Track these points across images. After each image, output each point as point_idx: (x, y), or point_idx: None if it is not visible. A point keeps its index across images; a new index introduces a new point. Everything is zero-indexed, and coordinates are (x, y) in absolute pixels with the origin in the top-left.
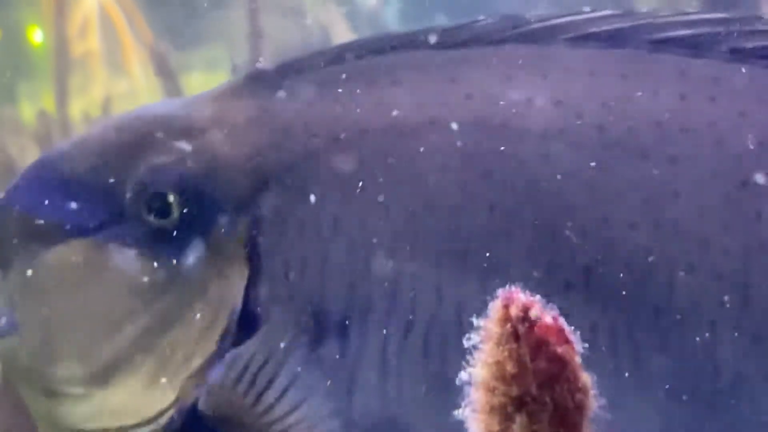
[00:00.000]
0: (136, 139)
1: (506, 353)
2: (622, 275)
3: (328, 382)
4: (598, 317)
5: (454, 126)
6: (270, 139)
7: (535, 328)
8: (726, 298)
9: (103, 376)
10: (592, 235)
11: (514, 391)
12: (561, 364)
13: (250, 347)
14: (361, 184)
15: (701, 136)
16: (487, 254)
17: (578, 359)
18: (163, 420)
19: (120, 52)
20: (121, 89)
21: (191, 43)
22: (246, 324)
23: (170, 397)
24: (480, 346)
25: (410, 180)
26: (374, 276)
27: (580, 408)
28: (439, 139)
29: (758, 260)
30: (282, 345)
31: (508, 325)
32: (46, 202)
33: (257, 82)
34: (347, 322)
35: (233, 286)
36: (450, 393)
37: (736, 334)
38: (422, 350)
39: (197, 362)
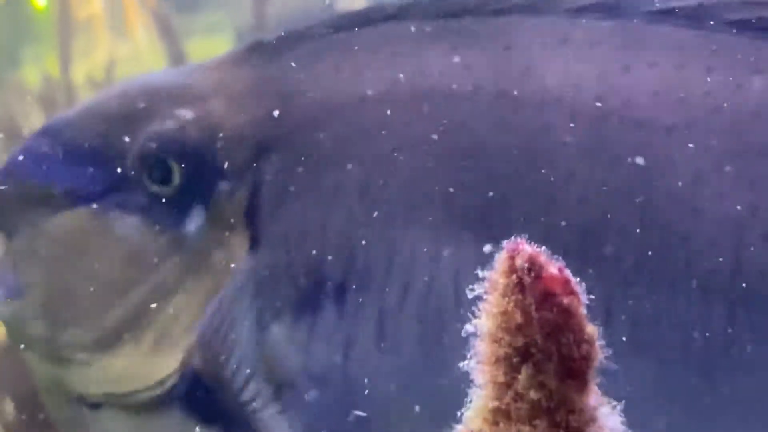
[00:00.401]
0: (138, 107)
1: (512, 304)
2: (619, 242)
3: (326, 347)
4: (594, 283)
5: (453, 95)
6: (270, 108)
7: (541, 279)
8: (720, 264)
9: (107, 342)
10: (590, 203)
11: (520, 341)
12: (567, 314)
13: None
14: (360, 152)
15: (698, 106)
16: (485, 220)
17: (583, 310)
18: (168, 385)
19: (123, 15)
20: (124, 53)
21: (192, 7)
22: (246, 290)
23: (174, 362)
24: (485, 296)
25: (409, 148)
26: (373, 242)
27: (586, 358)
28: (437, 108)
29: (753, 228)
30: (273, 310)
31: (514, 276)
32: (49, 170)
33: (258, 51)
34: (346, 288)
35: (235, 253)
36: (447, 357)
37: (729, 300)
38: (419, 315)
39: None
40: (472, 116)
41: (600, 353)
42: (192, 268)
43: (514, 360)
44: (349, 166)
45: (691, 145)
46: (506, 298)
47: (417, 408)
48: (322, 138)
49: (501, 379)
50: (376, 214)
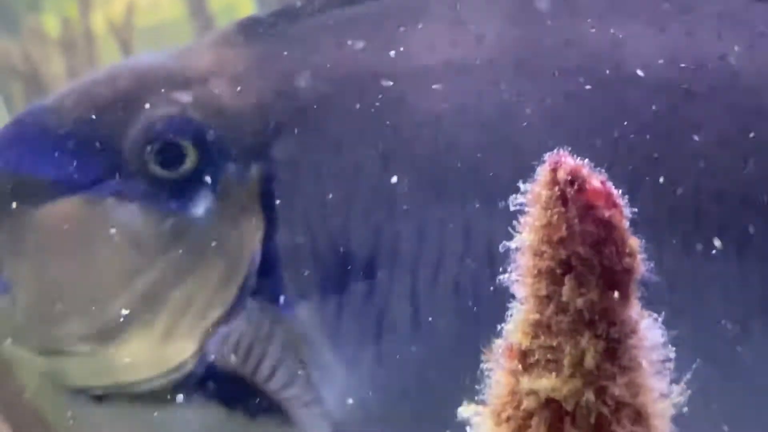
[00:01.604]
0: (132, 91)
1: (554, 217)
2: (641, 214)
3: (357, 328)
4: None
5: (468, 67)
6: (276, 87)
7: (583, 192)
8: (749, 223)
9: (112, 332)
10: (613, 173)
11: (562, 254)
12: (609, 227)
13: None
14: (378, 126)
15: (713, 70)
16: (512, 189)
17: (626, 223)
18: (185, 371)
19: None
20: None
21: None
22: (266, 273)
23: (190, 348)
24: (527, 210)
25: (428, 121)
26: (400, 217)
27: (628, 271)
28: (454, 81)
29: None
30: (297, 292)
31: (556, 189)
32: (34, 158)
33: (254, 29)
34: (374, 265)
35: (249, 236)
36: (483, 331)
37: (759, 261)
38: (453, 290)
39: (216, 313)
40: (489, 86)
41: (642, 266)
42: (203, 252)
43: (556, 273)
44: (369, 142)
45: (710, 109)
46: (548, 211)
47: (452, 384)
48: (335, 115)
49: (542, 292)
50: (401, 188)
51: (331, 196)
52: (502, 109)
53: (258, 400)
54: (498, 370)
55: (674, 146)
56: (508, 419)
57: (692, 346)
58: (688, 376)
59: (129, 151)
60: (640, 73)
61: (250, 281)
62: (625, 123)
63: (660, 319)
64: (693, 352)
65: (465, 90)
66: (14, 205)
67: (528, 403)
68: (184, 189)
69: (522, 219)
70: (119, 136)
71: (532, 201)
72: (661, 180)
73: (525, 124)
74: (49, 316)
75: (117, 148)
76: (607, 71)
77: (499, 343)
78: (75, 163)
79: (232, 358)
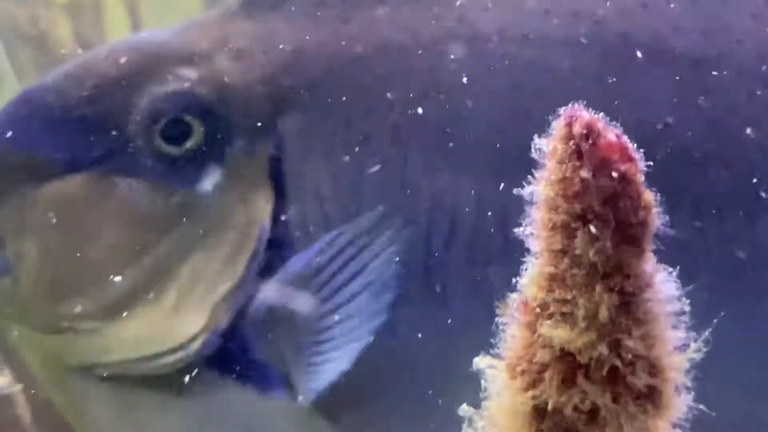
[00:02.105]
0: (136, 68)
1: (569, 171)
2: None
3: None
4: None
5: (478, 37)
6: (282, 61)
7: (599, 146)
8: (760, 189)
9: (119, 308)
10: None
11: (577, 208)
12: (624, 181)
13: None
14: (386, 98)
15: (721, 38)
16: (523, 160)
17: (641, 177)
18: (195, 345)
19: None
20: None
21: None
22: (276, 246)
23: (200, 322)
24: (543, 163)
25: (436, 91)
26: (412, 187)
27: (642, 224)
28: (463, 51)
29: None
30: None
31: (571, 143)
32: (35, 137)
33: (255, 5)
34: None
35: (258, 210)
36: (497, 296)
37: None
38: (467, 261)
39: (226, 286)
40: (500, 58)
41: (657, 219)
42: (212, 227)
43: (571, 226)
44: (377, 114)
45: (719, 76)
46: (564, 165)
47: (469, 355)
48: (342, 88)
49: (557, 245)
50: (412, 159)
51: (340, 168)
52: (515, 81)
53: (269, 374)
54: (513, 324)
55: (685, 117)
56: (523, 372)
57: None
58: (706, 333)
59: (134, 128)
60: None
61: (259, 255)
62: (638, 96)
63: (675, 273)
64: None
65: (474, 61)
66: (17, 183)
67: (542, 356)
68: (190, 165)
69: (537, 173)
70: (124, 113)
71: (547, 155)
72: (675, 146)
73: (540, 93)
74: (54, 293)
75: (122, 126)
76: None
77: (514, 297)
78: (79, 141)
79: (251, 332)
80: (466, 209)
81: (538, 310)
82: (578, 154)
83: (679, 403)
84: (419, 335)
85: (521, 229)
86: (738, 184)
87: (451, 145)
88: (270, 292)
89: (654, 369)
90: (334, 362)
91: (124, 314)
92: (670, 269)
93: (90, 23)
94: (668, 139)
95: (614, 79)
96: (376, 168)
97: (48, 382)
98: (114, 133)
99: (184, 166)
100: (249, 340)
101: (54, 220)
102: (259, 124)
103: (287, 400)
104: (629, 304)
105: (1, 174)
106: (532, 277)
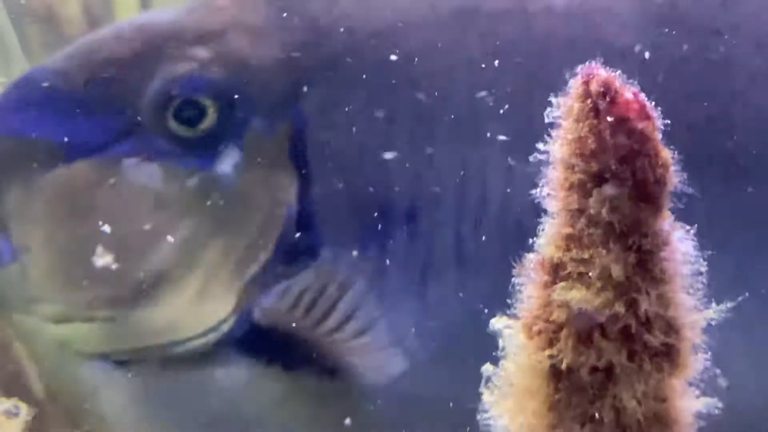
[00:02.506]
0: (145, 49)
1: (586, 129)
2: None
3: (400, 274)
4: None
5: (497, 10)
6: (297, 38)
7: (616, 104)
8: None
9: (139, 295)
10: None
11: (594, 167)
12: (642, 139)
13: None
14: (409, 73)
15: (741, 8)
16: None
17: (659, 134)
18: (225, 328)
19: None
20: None
21: None
22: (303, 226)
23: (228, 306)
24: (559, 123)
25: (461, 64)
26: (440, 162)
27: (660, 182)
28: (486, 24)
29: None
30: (336, 243)
31: (588, 101)
32: (40, 122)
33: None
34: (415, 212)
35: (282, 190)
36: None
37: None
38: (498, 232)
39: (254, 268)
40: (520, 27)
41: (674, 177)
42: (234, 209)
43: (588, 185)
44: (401, 89)
45: (740, 46)
46: (580, 124)
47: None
48: (363, 64)
49: (574, 205)
50: (439, 133)
51: (364, 144)
52: (540, 52)
53: (297, 353)
54: (529, 284)
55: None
56: (540, 332)
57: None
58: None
59: (145, 110)
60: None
61: (286, 236)
62: (661, 60)
63: (692, 232)
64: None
65: (499, 33)
66: (21, 169)
67: (559, 316)
68: (206, 146)
69: (554, 132)
70: (133, 95)
71: (564, 114)
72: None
73: (564, 64)
74: (67, 282)
75: (132, 108)
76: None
77: (530, 257)
78: (88, 125)
79: (289, 313)
80: (497, 188)
81: (554, 270)
82: (595, 112)
83: (696, 362)
84: (450, 320)
85: (538, 190)
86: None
87: (478, 121)
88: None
89: (670, 328)
90: (378, 351)
91: (146, 300)
92: (688, 227)
93: (100, 1)
94: (692, 106)
95: (635, 47)
96: (401, 145)
97: (52, 374)
98: (123, 115)
99: (200, 148)
100: (278, 322)
101: (64, 206)
102: (277, 102)
103: (315, 378)
104: (646, 262)
105: (4, 159)
106: (548, 237)
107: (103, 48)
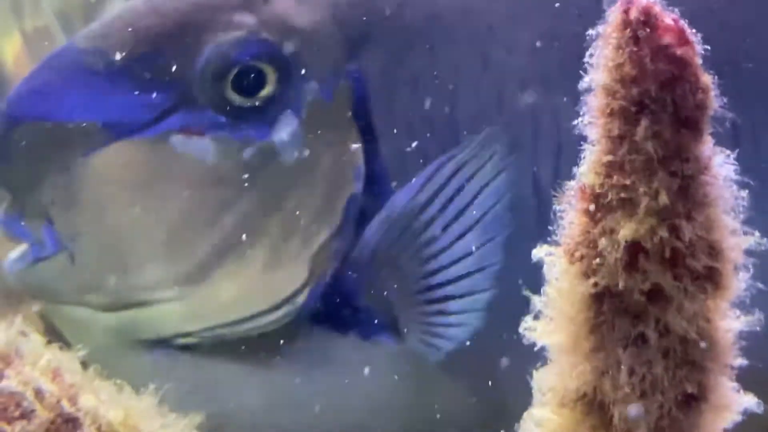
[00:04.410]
0: (192, 16)
1: (626, 56)
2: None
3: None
4: None
5: None
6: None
7: (656, 30)
8: None
9: (204, 272)
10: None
11: (634, 92)
12: (681, 64)
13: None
14: (470, 25)
15: None
16: None
17: (698, 60)
18: (300, 299)
19: None
20: None
21: None
22: (371, 189)
23: (302, 274)
24: (601, 52)
25: (520, 14)
26: (505, 113)
27: (700, 107)
28: None
29: None
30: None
31: (628, 29)
32: (79, 102)
33: None
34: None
35: (348, 153)
36: None
37: None
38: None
39: (324, 235)
40: None
41: (715, 102)
42: (299, 176)
43: (629, 112)
44: (461, 42)
45: None
46: (620, 51)
47: None
48: (419, 21)
49: (615, 132)
50: (506, 84)
51: (429, 101)
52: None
53: (376, 322)
54: (571, 212)
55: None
56: (582, 258)
57: None
58: None
59: (197, 81)
60: None
61: (356, 199)
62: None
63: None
64: None
65: None
66: (61, 155)
67: (602, 242)
68: (267, 114)
69: (594, 60)
70: (179, 68)
71: (604, 42)
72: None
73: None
74: (121, 266)
75: (177, 82)
76: None
77: (571, 185)
78: (129, 103)
79: (356, 279)
80: (569, 136)
81: (596, 197)
82: (635, 39)
83: (738, 284)
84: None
85: (579, 118)
86: None
87: (545, 67)
88: (372, 235)
89: (713, 250)
90: (457, 315)
91: (211, 277)
92: (728, 152)
93: None
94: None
95: None
96: (468, 96)
97: (108, 363)
98: (171, 89)
99: (260, 116)
100: (354, 288)
101: (112, 190)
102: (334, 64)
103: (391, 342)
104: (688, 187)
105: (40, 145)
106: (590, 164)
107: (140, 20)
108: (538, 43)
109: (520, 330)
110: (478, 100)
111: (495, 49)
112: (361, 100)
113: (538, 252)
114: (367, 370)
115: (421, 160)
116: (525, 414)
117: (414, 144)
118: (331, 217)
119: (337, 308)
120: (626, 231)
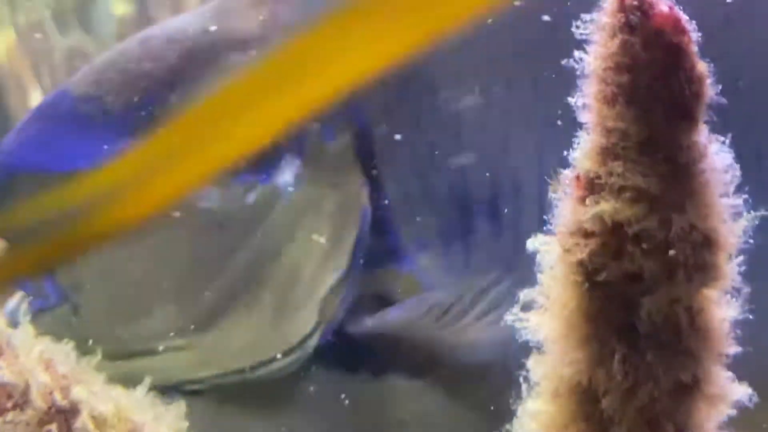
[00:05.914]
0: (176, 62)
1: (620, 43)
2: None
3: (487, 266)
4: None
5: None
6: None
7: (650, 18)
8: None
9: (211, 319)
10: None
11: (626, 80)
12: (676, 52)
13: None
14: (474, 62)
15: None
16: None
17: (694, 48)
18: (311, 344)
19: None
20: None
21: None
22: (379, 229)
23: (312, 318)
24: (594, 38)
25: (528, 52)
26: (513, 153)
27: (696, 96)
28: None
29: None
30: (417, 242)
31: (622, 16)
32: (74, 151)
33: None
34: (498, 204)
35: (353, 194)
36: None
37: None
38: None
39: (333, 277)
40: None
41: (710, 90)
42: (303, 218)
43: (623, 99)
44: (467, 81)
45: None
46: (614, 38)
47: None
48: (422, 63)
49: (609, 119)
50: (514, 125)
51: (435, 141)
52: None
53: (381, 359)
54: (565, 200)
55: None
56: (576, 245)
57: None
58: None
59: None
60: None
61: (363, 240)
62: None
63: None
64: None
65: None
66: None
67: (594, 228)
68: (267, 157)
69: (588, 47)
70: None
71: (598, 29)
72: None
73: None
74: (127, 316)
75: None
76: None
77: (566, 173)
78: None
79: (366, 320)
80: None
81: (590, 184)
82: (629, 26)
83: (732, 272)
84: None
85: (574, 102)
86: None
87: (554, 107)
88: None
89: (707, 239)
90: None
91: (219, 324)
92: (723, 139)
93: None
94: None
95: None
96: (472, 138)
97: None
98: None
99: (262, 159)
100: (363, 329)
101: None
102: (336, 104)
103: (403, 379)
104: (682, 175)
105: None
106: (584, 151)
107: (134, 64)
108: (544, 89)
109: (510, 321)
110: (486, 142)
111: (499, 88)
112: (365, 143)
113: (533, 243)
114: (378, 407)
115: (425, 202)
116: (519, 408)
117: (418, 186)
118: (338, 261)
119: (349, 350)
120: (613, 209)
